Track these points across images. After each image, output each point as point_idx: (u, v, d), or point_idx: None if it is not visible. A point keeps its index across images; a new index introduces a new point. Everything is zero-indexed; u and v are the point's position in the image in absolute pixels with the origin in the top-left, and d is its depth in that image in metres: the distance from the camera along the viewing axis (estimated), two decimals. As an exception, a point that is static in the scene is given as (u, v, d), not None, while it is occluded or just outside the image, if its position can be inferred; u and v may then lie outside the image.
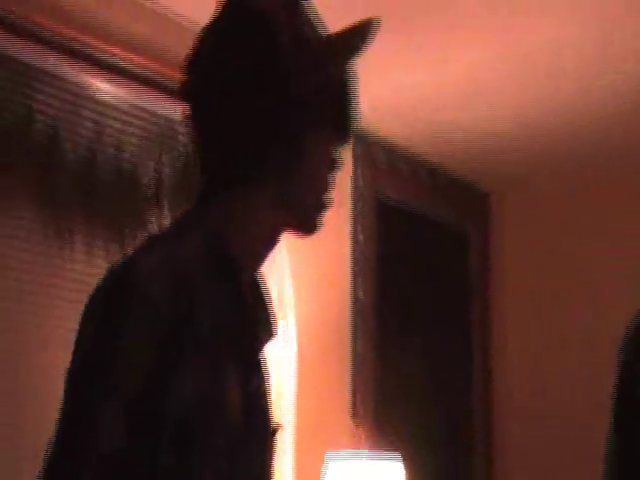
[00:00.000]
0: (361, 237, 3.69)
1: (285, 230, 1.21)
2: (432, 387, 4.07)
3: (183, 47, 2.83)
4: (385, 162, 3.89)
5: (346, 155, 3.58)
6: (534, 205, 4.49)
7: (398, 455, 3.12)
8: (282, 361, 2.99)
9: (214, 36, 1.18)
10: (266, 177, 1.15)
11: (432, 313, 4.15)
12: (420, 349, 4.03)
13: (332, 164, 1.23)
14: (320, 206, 1.21)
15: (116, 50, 2.64)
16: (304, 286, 3.26)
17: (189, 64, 1.19)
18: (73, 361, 1.07)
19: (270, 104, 1.12)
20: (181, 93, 1.20)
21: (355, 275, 3.65)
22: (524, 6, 2.85)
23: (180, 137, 2.89)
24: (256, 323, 1.19)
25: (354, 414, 3.51)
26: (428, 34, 3.06)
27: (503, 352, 4.49)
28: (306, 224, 1.21)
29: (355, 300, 3.61)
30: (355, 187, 3.69)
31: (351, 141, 1.26)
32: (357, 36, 1.16)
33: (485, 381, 4.41)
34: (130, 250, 1.17)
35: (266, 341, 1.23)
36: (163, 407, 0.99)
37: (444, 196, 4.25)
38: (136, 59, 2.70)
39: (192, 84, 1.18)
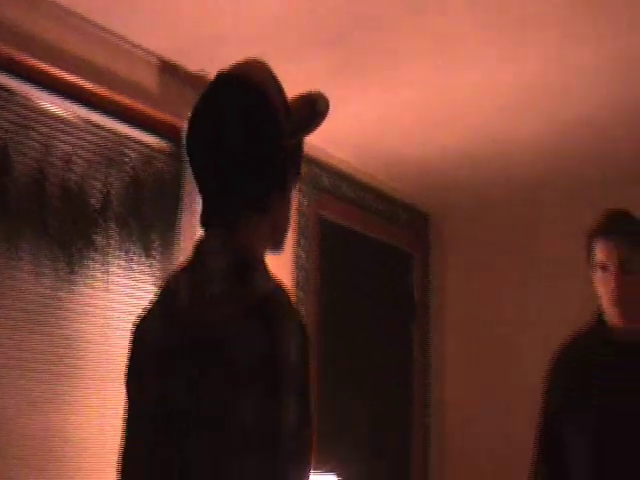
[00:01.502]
0: (303, 256, 3.76)
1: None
2: (372, 412, 4.14)
3: (133, 73, 2.90)
4: (329, 184, 3.97)
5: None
6: (472, 227, 4.63)
7: (334, 476, 3.15)
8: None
9: (227, 105, 1.48)
10: (269, 209, 1.51)
11: (375, 332, 4.22)
12: (362, 371, 4.10)
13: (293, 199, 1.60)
14: (289, 229, 1.59)
15: (68, 73, 2.68)
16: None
17: (205, 125, 1.49)
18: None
19: (271, 155, 1.48)
20: (197, 147, 1.50)
21: (299, 294, 3.70)
22: (467, 47, 2.96)
23: (129, 155, 2.93)
24: None
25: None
26: (378, 68, 3.14)
27: (442, 371, 4.61)
28: (282, 244, 1.57)
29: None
30: (299, 207, 3.77)
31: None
32: (317, 106, 1.55)
33: (424, 400, 4.50)
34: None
35: None
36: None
37: (387, 217, 4.35)
38: (88, 82, 2.75)
39: (208, 141, 1.48)
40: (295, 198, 3.71)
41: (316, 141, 3.78)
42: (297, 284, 3.70)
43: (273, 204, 1.51)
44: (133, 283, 2.91)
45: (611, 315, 2.49)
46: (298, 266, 3.72)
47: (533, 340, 4.22)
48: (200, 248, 1.50)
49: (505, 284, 4.46)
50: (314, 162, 3.86)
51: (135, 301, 2.91)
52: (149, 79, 3.02)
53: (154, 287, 2.98)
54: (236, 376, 1.30)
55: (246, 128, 1.46)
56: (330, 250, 3.96)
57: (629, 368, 2.45)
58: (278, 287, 1.40)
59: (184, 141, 1.55)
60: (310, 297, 3.76)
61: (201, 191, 1.51)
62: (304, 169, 3.73)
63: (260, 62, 1.56)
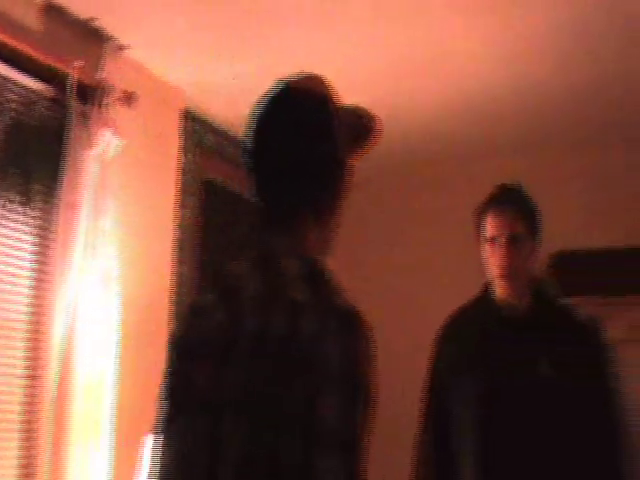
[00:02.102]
0: (186, 215, 3.70)
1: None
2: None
3: (15, 12, 2.77)
4: (215, 144, 3.91)
5: (174, 134, 3.61)
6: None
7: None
8: (105, 343, 2.92)
9: (297, 114, 1.60)
10: (326, 216, 1.62)
11: None
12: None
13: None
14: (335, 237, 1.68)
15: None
16: (130, 266, 3.22)
17: (274, 131, 1.60)
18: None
19: (333, 167, 1.61)
20: (266, 151, 1.60)
21: (179, 254, 3.64)
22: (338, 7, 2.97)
23: (10, 99, 2.80)
24: None
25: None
26: (261, 29, 3.13)
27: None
28: (329, 250, 1.66)
29: (180, 281, 3.61)
30: (183, 166, 3.70)
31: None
32: (367, 126, 1.68)
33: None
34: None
35: None
36: None
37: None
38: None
39: (280, 147, 1.59)
40: (179, 157, 3.66)
41: (200, 98, 3.72)
42: (178, 244, 3.64)
43: (328, 212, 1.62)
44: (11, 233, 2.79)
45: (499, 288, 2.52)
46: (180, 226, 3.66)
47: (416, 296, 4.32)
48: (267, 247, 1.57)
49: (379, 244, 4.52)
50: (199, 120, 3.80)
51: (13, 251, 2.80)
52: (34, 20, 2.89)
53: (33, 237, 2.87)
54: (321, 383, 1.37)
55: (318, 140, 1.58)
56: (213, 211, 3.92)
57: (515, 341, 2.48)
58: (351, 299, 1.49)
59: (246, 141, 1.64)
60: (190, 258, 3.71)
61: (261, 192, 1.60)
62: (188, 127, 3.75)
63: (323, 78, 1.66)
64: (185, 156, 3.72)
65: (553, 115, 3.86)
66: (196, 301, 1.62)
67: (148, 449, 2.76)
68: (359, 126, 1.68)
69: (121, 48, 3.14)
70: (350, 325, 1.43)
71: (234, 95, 3.69)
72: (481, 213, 2.53)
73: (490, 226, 2.50)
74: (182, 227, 3.67)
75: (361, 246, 4.60)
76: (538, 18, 2.99)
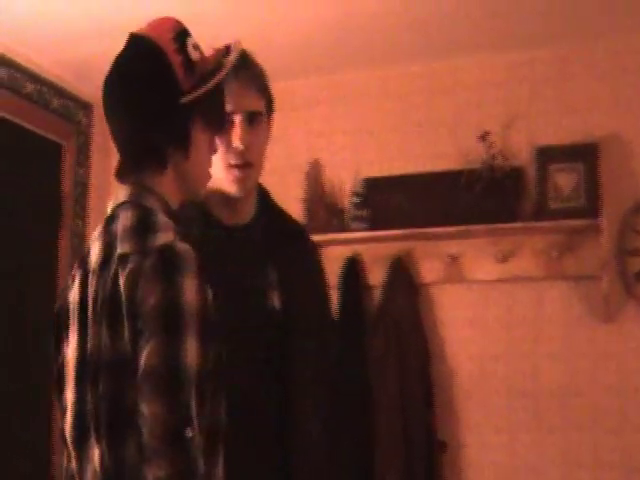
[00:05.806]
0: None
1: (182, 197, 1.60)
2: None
3: None
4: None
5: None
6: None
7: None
8: None
9: (125, 65, 1.55)
10: (167, 164, 1.54)
11: (21, 233, 3.75)
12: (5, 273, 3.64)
13: (213, 147, 1.64)
14: (207, 178, 1.64)
15: None
16: None
17: (108, 84, 1.56)
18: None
19: (164, 113, 1.51)
20: (107, 107, 1.55)
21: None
22: None
23: None
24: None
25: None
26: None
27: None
28: (196, 192, 1.64)
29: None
30: None
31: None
32: (227, 56, 1.60)
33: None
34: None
35: None
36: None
37: (43, 104, 3.86)
38: None
39: (113, 100, 1.55)
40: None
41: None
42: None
43: (172, 158, 1.53)
44: None
45: (227, 182, 1.90)
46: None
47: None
48: (116, 202, 1.53)
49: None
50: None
51: None
52: None
53: None
54: (142, 324, 1.34)
55: (140, 88, 1.52)
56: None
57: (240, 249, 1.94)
58: (176, 239, 1.42)
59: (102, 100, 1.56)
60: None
61: (116, 147, 1.55)
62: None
63: (168, 21, 1.58)
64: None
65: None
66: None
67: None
68: (217, 65, 1.57)
69: None
70: (163, 264, 1.37)
71: (9, 11, 3.27)
72: None
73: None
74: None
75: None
76: None
